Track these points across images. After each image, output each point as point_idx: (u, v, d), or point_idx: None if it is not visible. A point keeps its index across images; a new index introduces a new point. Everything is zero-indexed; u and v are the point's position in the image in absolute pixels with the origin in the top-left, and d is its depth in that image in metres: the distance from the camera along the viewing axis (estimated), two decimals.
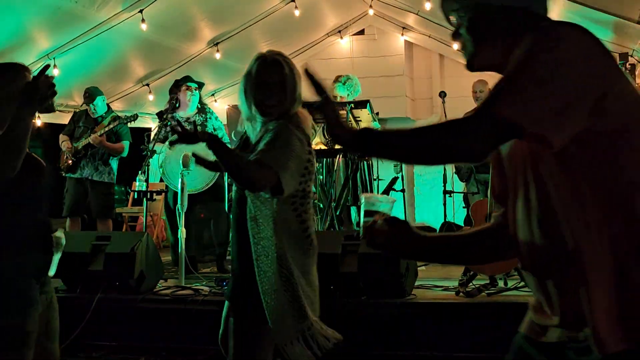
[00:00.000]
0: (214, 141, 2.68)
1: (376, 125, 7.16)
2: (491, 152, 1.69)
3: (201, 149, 2.72)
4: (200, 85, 7.04)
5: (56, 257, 3.04)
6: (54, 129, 8.45)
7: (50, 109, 2.82)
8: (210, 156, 2.72)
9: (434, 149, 1.71)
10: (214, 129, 6.84)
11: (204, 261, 7.07)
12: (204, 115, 6.87)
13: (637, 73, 6.51)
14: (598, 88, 1.62)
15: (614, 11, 6.01)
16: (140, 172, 6.49)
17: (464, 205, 8.29)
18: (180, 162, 5.75)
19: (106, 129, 7.24)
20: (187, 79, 6.96)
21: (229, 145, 6.95)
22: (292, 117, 2.96)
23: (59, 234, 3.10)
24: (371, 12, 9.67)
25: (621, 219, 1.61)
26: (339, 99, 7.09)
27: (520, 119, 1.60)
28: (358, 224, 7.14)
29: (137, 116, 7.48)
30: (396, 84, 10.45)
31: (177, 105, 6.82)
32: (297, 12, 8.73)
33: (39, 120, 8.42)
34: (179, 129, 2.75)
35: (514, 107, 1.62)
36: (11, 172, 2.62)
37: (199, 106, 6.94)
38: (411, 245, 1.99)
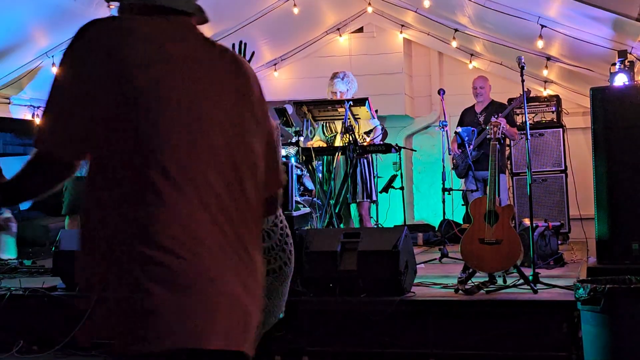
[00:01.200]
0: None
1: (375, 123, 7.15)
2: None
3: None
4: None
5: (11, 240, 3.04)
6: None
7: None
8: None
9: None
10: None
11: None
12: None
13: (635, 70, 6.51)
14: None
15: (613, 8, 6.01)
16: None
17: (462, 203, 8.30)
18: None
19: None
20: None
21: None
22: None
23: (7, 214, 3.10)
24: (370, 9, 9.67)
25: None
26: (338, 95, 7.09)
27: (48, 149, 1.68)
28: (360, 220, 7.14)
29: None
30: (395, 81, 10.44)
31: None
32: (295, 10, 8.73)
33: (38, 118, 8.42)
34: None
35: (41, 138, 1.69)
36: None
37: None
38: None
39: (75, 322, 5.06)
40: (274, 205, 2.01)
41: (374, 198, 7.16)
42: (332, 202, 6.84)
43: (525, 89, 5.83)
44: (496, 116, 6.44)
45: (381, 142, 7.07)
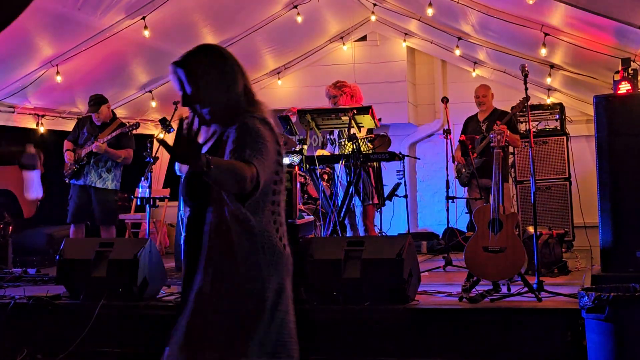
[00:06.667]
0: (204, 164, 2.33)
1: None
2: None
3: None
4: None
5: (37, 177, 3.01)
6: (58, 135, 8.46)
7: None
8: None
9: None
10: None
11: None
12: None
13: (639, 78, 6.50)
14: None
15: (617, 16, 6.01)
16: (142, 178, 6.50)
17: (466, 211, 8.29)
18: (177, 168, 5.72)
19: (109, 137, 7.24)
20: None
21: None
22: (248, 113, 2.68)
23: (32, 150, 3.07)
24: (373, 18, 9.69)
25: None
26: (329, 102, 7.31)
27: None
28: (365, 229, 7.14)
29: (139, 124, 7.50)
30: (398, 89, 10.45)
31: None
32: (299, 19, 8.75)
33: (42, 127, 8.44)
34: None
35: None
36: None
37: None
38: None
39: (79, 330, 5.07)
40: None
41: (375, 201, 7.16)
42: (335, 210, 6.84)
43: (525, 97, 5.84)
44: (498, 124, 6.44)
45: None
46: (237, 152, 2.51)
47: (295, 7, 8.72)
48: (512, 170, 8.43)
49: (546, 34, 7.14)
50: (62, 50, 7.36)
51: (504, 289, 5.24)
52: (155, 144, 6.89)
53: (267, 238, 2.61)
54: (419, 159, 10.33)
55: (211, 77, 2.70)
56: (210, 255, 2.59)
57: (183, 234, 5.66)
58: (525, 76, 5.58)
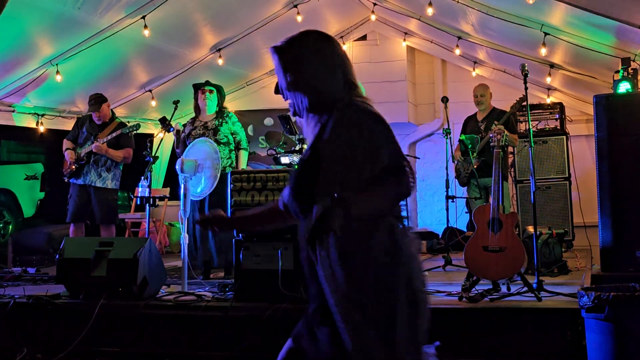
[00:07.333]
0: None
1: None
2: None
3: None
4: (218, 89, 7.03)
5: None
6: (57, 135, 8.46)
7: None
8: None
9: None
10: (231, 133, 6.87)
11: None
12: (220, 120, 6.90)
13: (639, 77, 6.50)
14: None
15: (617, 16, 6.01)
16: (142, 177, 6.49)
17: (466, 211, 8.29)
18: (178, 167, 5.72)
19: (109, 137, 7.24)
20: (206, 83, 7.00)
21: (249, 149, 7.09)
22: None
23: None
24: (373, 17, 9.69)
25: None
26: None
27: None
28: None
29: (139, 125, 7.49)
30: (398, 89, 10.45)
31: (198, 111, 6.93)
32: (299, 18, 8.75)
33: (42, 126, 8.44)
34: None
35: None
36: None
37: (217, 109, 6.96)
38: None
39: (79, 330, 5.07)
40: None
41: None
42: None
43: (522, 96, 5.83)
44: (495, 123, 6.44)
45: None
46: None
47: (295, 6, 8.72)
48: (512, 170, 8.43)
49: (546, 34, 7.14)
50: (62, 50, 7.37)
51: (503, 289, 5.24)
52: (155, 143, 6.89)
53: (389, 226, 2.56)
54: (419, 158, 10.32)
55: (308, 65, 2.53)
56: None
57: (183, 234, 5.68)
58: (525, 76, 5.58)
